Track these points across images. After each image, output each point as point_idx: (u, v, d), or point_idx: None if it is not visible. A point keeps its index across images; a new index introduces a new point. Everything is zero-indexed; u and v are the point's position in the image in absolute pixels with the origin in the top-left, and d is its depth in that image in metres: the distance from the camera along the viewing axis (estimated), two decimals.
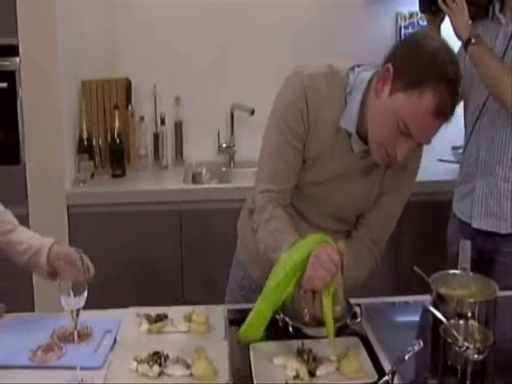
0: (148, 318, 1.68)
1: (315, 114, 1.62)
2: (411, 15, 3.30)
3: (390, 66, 1.49)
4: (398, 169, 1.66)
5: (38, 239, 1.76)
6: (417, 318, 1.82)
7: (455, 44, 2.10)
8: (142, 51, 3.22)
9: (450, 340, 1.45)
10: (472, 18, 2.25)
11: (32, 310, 2.74)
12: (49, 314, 1.78)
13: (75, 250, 1.70)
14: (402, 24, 3.33)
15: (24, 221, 2.76)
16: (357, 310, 1.63)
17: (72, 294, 1.45)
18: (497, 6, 2.28)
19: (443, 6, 2.24)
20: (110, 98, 3.13)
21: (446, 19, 2.29)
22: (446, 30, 2.30)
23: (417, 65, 1.46)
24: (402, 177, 1.71)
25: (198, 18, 3.22)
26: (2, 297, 1.81)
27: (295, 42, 3.29)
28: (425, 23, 2.57)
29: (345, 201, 1.72)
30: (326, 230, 1.68)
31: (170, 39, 3.23)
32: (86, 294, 1.47)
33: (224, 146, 3.30)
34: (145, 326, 1.66)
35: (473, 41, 2.16)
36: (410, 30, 3.31)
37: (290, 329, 1.59)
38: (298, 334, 1.58)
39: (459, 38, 2.23)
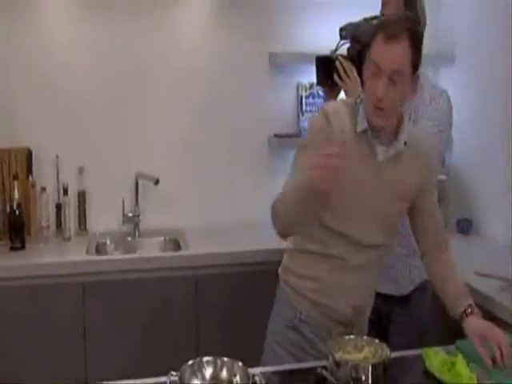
0: None
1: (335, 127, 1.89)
2: (311, 86, 3.43)
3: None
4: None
5: None
6: None
7: None
8: (43, 120, 3.18)
9: None
10: None
11: None
12: None
13: None
14: (303, 94, 3.46)
15: None
16: (256, 378, 1.62)
17: None
18: None
19: (338, 81, 2.37)
20: (9, 168, 3.07)
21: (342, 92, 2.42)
22: None
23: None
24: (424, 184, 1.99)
25: (101, 89, 3.23)
26: None
27: (198, 112, 3.35)
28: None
29: (376, 205, 1.92)
30: (372, 246, 1.95)
31: (72, 108, 3.21)
32: None
33: (129, 215, 3.28)
34: None
35: None
36: (311, 100, 3.45)
37: None
38: None
39: None
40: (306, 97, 3.46)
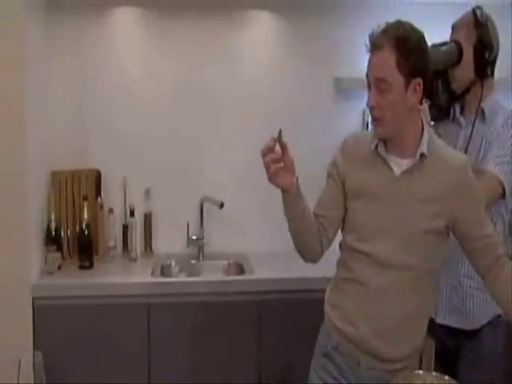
0: None
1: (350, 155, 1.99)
2: None
3: None
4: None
5: None
6: None
7: None
8: (112, 143, 3.27)
9: None
10: (433, 119, 2.35)
11: None
12: None
13: None
14: (369, 120, 3.42)
15: None
16: None
17: None
18: (457, 109, 2.38)
19: None
20: (79, 189, 3.15)
21: None
22: None
23: None
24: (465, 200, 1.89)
25: (169, 114, 3.31)
26: None
27: (262, 138, 3.34)
28: None
29: (398, 220, 1.87)
30: (397, 266, 1.87)
31: (140, 131, 3.29)
32: None
33: (193, 238, 3.31)
34: None
35: None
36: None
37: None
38: None
39: None
40: (372, 123, 3.42)
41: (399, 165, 1.89)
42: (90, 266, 3.05)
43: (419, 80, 1.82)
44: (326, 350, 2.01)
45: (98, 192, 3.20)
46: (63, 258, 3.07)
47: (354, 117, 3.44)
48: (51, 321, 2.79)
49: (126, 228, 3.26)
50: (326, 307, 2.07)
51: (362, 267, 1.92)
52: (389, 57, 1.79)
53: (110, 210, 3.21)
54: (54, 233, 3.00)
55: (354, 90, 3.36)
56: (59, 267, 2.99)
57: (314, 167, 3.43)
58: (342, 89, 3.38)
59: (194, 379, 2.89)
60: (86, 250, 3.06)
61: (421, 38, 1.85)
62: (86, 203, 3.07)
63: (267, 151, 1.86)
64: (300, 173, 3.34)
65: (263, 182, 3.34)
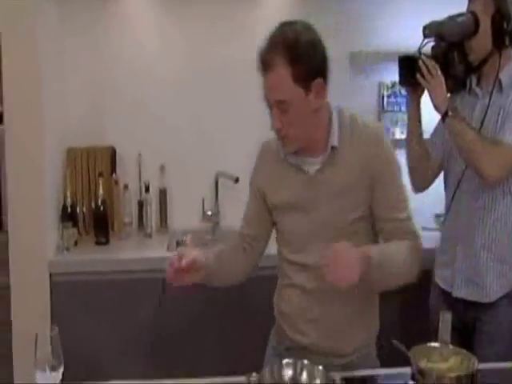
0: None
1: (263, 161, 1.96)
2: (393, 85, 3.37)
3: None
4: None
5: None
6: None
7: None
8: (127, 120, 3.27)
9: None
10: (450, 91, 2.31)
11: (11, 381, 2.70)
12: None
13: None
14: (385, 93, 3.40)
15: (5, 288, 2.79)
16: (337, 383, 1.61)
17: (48, 370, 1.42)
18: (474, 80, 2.35)
19: (421, 80, 2.29)
20: (94, 166, 3.16)
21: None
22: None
23: None
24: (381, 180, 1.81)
25: (183, 90, 3.30)
26: None
27: None
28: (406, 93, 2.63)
29: (323, 221, 1.82)
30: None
31: (154, 108, 3.29)
32: (62, 369, 1.44)
33: (208, 213, 3.32)
34: None
35: (450, 114, 2.21)
36: (393, 100, 3.40)
37: None
38: None
39: (437, 110, 2.28)
40: (388, 96, 3.40)
41: (313, 164, 1.83)
42: (106, 242, 3.07)
43: (319, 80, 1.76)
44: (278, 351, 1.99)
45: (113, 168, 3.21)
46: (79, 234, 3.09)
47: (369, 91, 3.41)
48: (68, 296, 2.82)
49: (141, 204, 3.27)
50: (276, 313, 2.05)
51: (298, 273, 1.90)
52: (283, 74, 1.70)
53: (125, 187, 3.22)
54: (69, 209, 3.02)
55: (370, 64, 3.34)
56: (75, 243, 3.02)
57: None
58: (356, 63, 3.34)
59: (208, 351, 2.90)
60: (101, 226, 3.08)
61: (310, 38, 1.80)
62: (101, 180, 3.08)
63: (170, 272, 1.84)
64: None
65: None
